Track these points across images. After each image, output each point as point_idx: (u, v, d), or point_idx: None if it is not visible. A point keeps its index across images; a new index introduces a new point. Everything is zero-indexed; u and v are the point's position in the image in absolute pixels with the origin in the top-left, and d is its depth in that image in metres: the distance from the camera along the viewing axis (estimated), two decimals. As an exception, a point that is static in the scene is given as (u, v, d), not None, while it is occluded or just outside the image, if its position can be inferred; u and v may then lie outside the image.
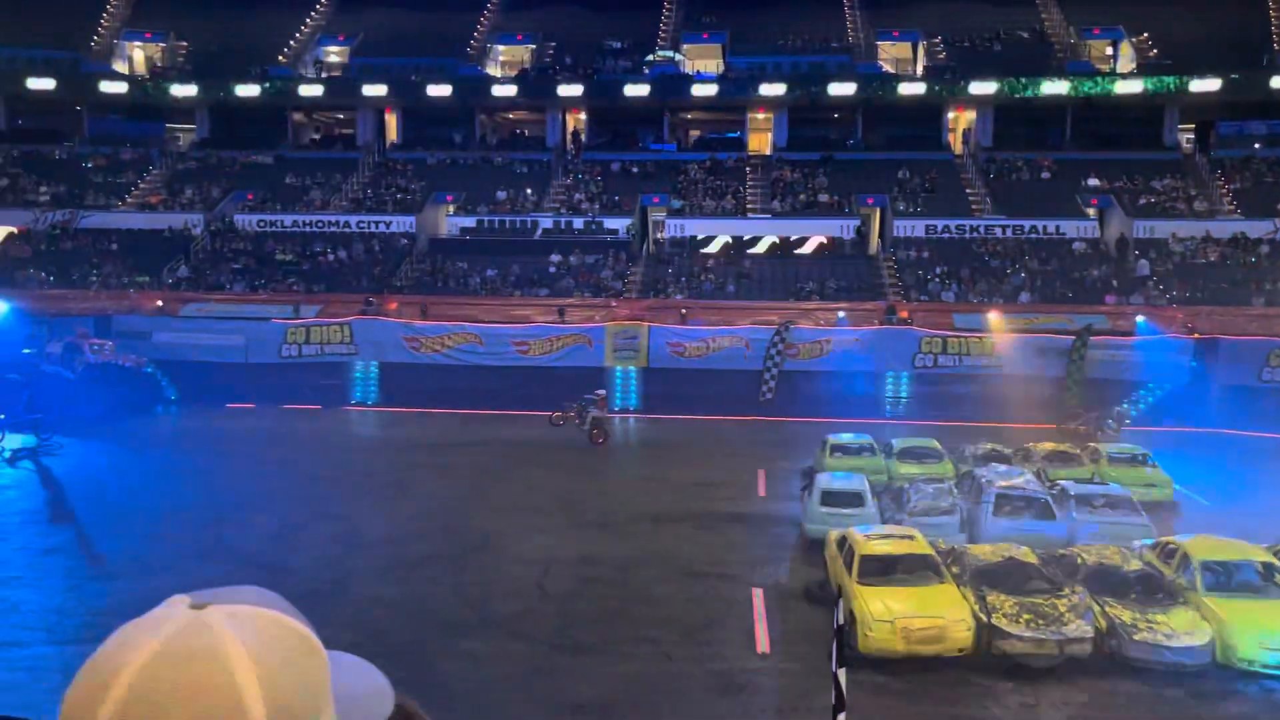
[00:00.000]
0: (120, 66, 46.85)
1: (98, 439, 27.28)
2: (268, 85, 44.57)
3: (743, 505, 21.47)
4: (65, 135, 45.91)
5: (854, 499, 18.32)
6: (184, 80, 45.00)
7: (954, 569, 14.78)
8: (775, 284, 36.54)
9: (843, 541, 15.50)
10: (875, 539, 15.24)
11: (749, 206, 41.03)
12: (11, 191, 42.24)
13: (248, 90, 44.34)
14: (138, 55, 48.12)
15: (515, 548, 18.31)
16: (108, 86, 45.01)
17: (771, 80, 42.90)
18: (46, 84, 44.28)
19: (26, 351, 31.40)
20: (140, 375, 31.63)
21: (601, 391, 28.81)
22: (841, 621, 8.09)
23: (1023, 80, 41.26)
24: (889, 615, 13.26)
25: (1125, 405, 28.46)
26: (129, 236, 39.88)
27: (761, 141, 45.19)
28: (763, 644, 14.00)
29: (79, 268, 37.81)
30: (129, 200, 42.35)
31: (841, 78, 42.72)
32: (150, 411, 31.49)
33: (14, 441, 25.43)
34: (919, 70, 44.79)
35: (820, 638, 13.96)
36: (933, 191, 40.51)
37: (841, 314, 32.94)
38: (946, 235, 38.44)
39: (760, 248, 38.63)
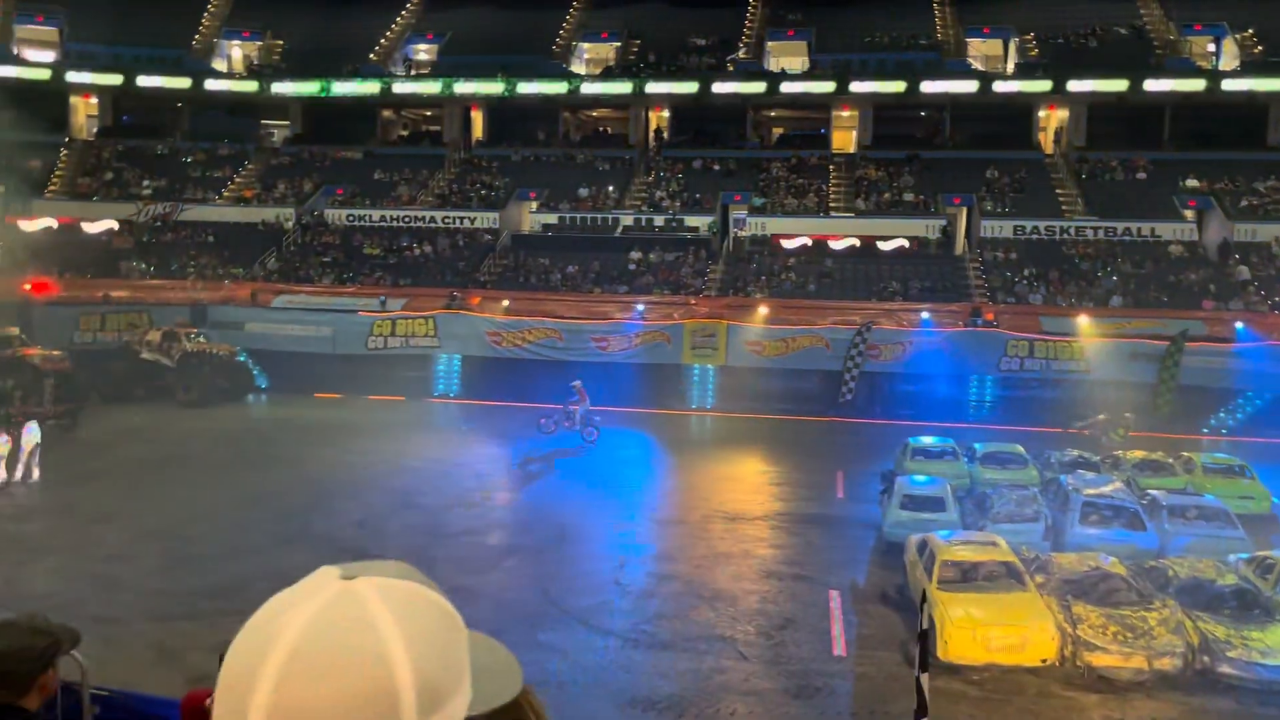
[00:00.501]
0: (219, 64, 48.36)
1: (192, 425, 28.21)
2: (361, 82, 45.58)
3: (820, 506, 21.30)
4: (167, 131, 47.61)
5: (935, 503, 18.06)
6: (281, 77, 46.26)
7: (1038, 578, 14.46)
8: (857, 283, 36.12)
9: (923, 546, 15.28)
10: (957, 544, 14.99)
11: (832, 205, 40.61)
12: (116, 185, 43.94)
13: (343, 87, 45.38)
14: (236, 54, 49.61)
15: (591, 542, 18.47)
16: (208, 84, 46.50)
17: (858, 78, 42.40)
18: (151, 81, 45.93)
19: (127, 340, 32.71)
20: (233, 364, 32.61)
21: (577, 382, 27.87)
22: (926, 626, 7.99)
23: (1124, 78, 40.04)
24: (969, 622, 13.04)
25: (1130, 415, 27.45)
26: (224, 229, 41.20)
27: (846, 139, 44.69)
28: (839, 646, 13.89)
29: (177, 259, 39.20)
30: (225, 194, 43.73)
31: (930, 75, 42.03)
32: (242, 399, 32.46)
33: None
34: (1010, 68, 43.79)
35: (897, 643, 13.83)
36: (1022, 191, 39.60)
37: (925, 315, 32.40)
38: (1035, 236, 37.53)
39: (842, 246, 38.18)
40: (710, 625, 14.62)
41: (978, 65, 43.80)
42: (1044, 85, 41.35)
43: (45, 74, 45.19)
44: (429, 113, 48.75)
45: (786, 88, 43.14)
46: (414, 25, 49.48)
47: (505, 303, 34.57)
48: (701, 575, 16.80)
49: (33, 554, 17.17)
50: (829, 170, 42.53)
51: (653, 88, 43.88)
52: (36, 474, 21.75)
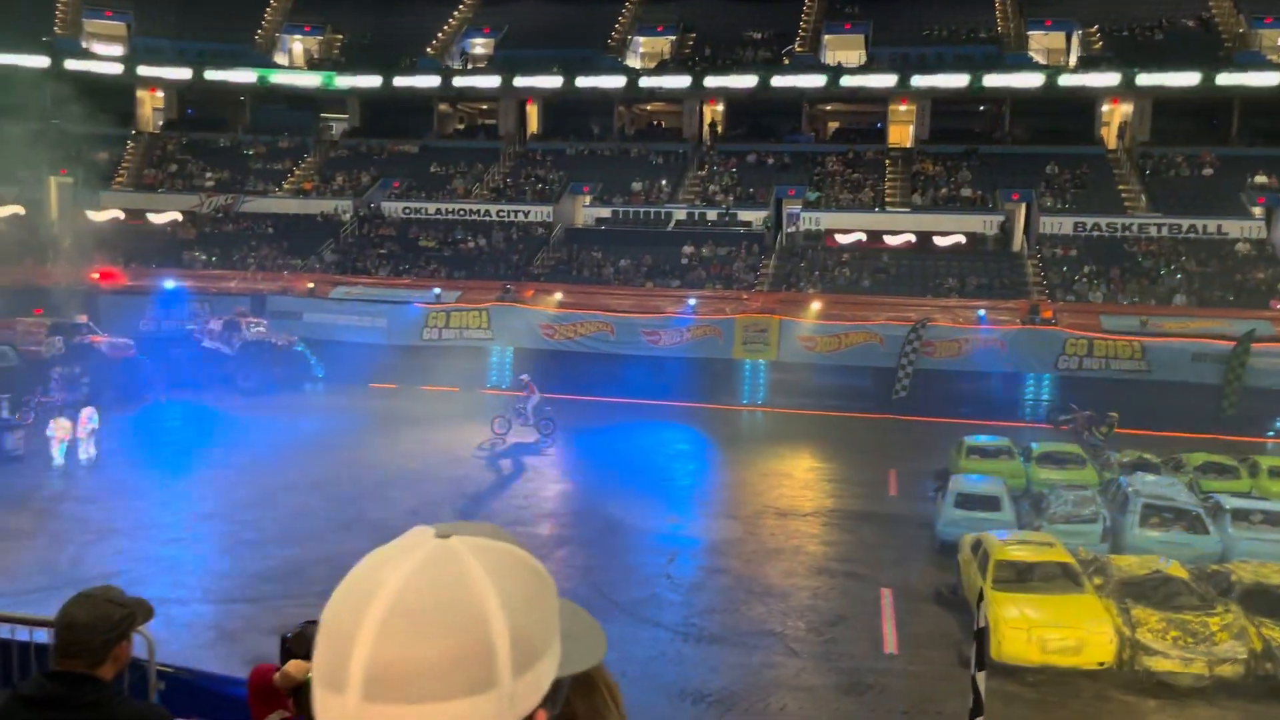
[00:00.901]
0: (281, 59, 49.14)
1: (249, 412, 28.74)
2: (422, 77, 45.99)
3: (872, 504, 21.13)
4: (230, 124, 48.51)
5: (990, 502, 17.81)
6: (344, 71, 46.86)
7: (1096, 580, 14.21)
8: (912, 280, 35.72)
9: (977, 545, 15.09)
10: (1012, 544, 14.78)
11: (887, 200, 40.20)
12: (180, 176, 44.89)
13: (405, 81, 45.79)
14: (297, 48, 50.38)
15: (641, 535, 18.50)
16: (274, 78, 47.29)
17: (917, 71, 41.87)
18: (219, 75, 46.81)
19: (189, 328, 33.42)
20: (291, 353, 33.15)
21: (525, 375, 27.47)
22: (983, 624, 7.90)
23: (1195, 70, 39.05)
24: (1025, 623, 12.85)
25: (1115, 413, 26.83)
26: (284, 221, 41.92)
27: (902, 134, 44.21)
28: (890, 644, 13.78)
29: (238, 249, 39.98)
30: (285, 186, 44.47)
31: (992, 69, 41.35)
32: (299, 388, 33.00)
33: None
34: (1072, 61, 42.95)
35: (950, 642, 13.68)
36: (1083, 187, 38.84)
37: (981, 312, 31.93)
38: (1096, 233, 36.81)
39: (897, 242, 37.77)
40: (761, 620, 14.59)
41: (1039, 59, 43.02)
42: (1112, 79, 40.44)
43: (119, 68, 46.25)
44: (485, 106, 49.11)
45: (847, 81, 42.63)
46: (470, 19, 49.83)
47: (558, 296, 34.73)
48: (752, 570, 16.77)
49: (99, 535, 17.64)
50: (885, 165, 42.09)
51: (712, 81, 43.64)
52: (94, 454, 22.54)
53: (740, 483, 23.24)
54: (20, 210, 40.62)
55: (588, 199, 42.11)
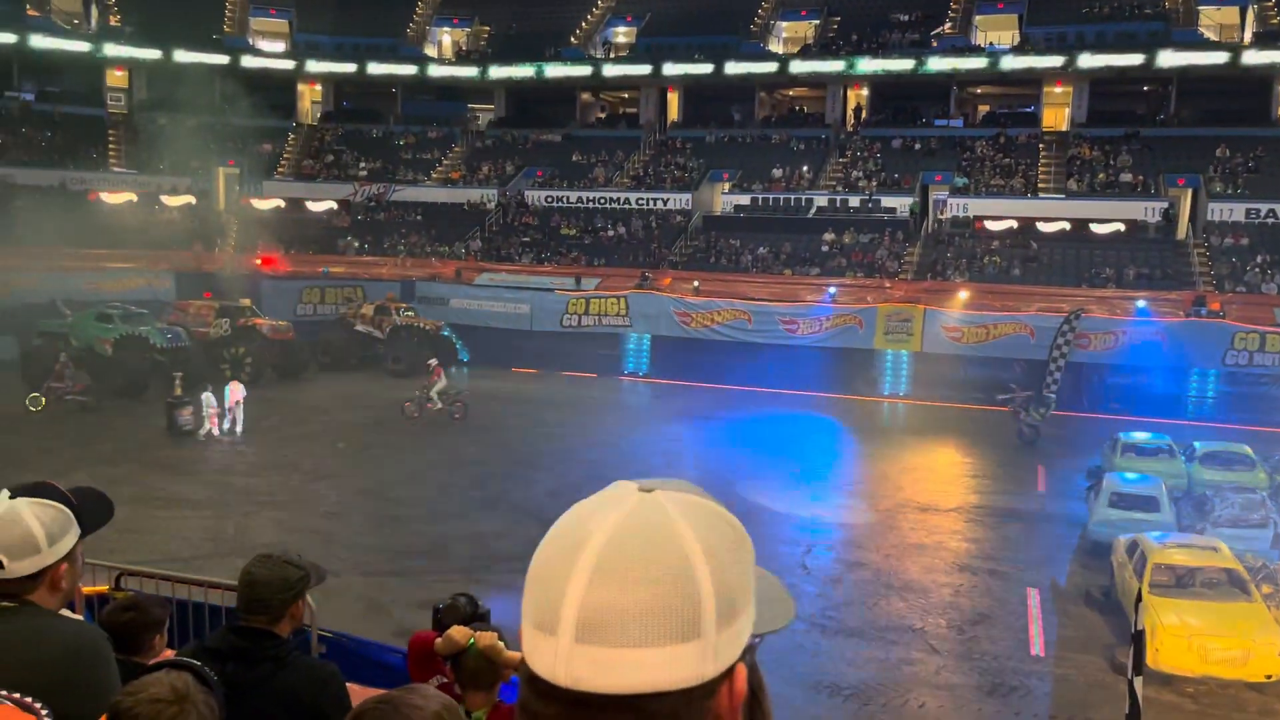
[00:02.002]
0: (430, 51, 50.73)
1: (400, 394, 29.79)
2: (568, 66, 46.67)
3: (1019, 501, 20.41)
4: (381, 116, 50.40)
5: (1147, 503, 16.95)
6: (494, 62, 48.00)
7: (1265, 588, 13.36)
8: (1066, 269, 34.24)
9: (1133, 547, 14.39)
10: (1172, 547, 14.02)
11: (1040, 186, 38.61)
12: (336, 167, 46.91)
13: (555, 70, 46.55)
14: (446, 40, 51.92)
15: (777, 525, 18.37)
16: (430, 70, 48.81)
17: (1073, 51, 39.96)
18: (380, 69, 48.66)
19: (343, 312, 34.94)
20: (438, 338, 34.23)
21: (433, 361, 27.07)
22: (1141, 627, 7.54)
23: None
24: (1185, 631, 12.19)
25: (1053, 395, 24.71)
26: (432, 209, 43.32)
27: (1057, 117, 42.32)
28: (1037, 646, 13.30)
29: (389, 237, 41.55)
30: (433, 176, 45.93)
31: (1161, 46, 39.08)
32: (445, 371, 34.06)
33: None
34: (1247, 37, 40.22)
35: (1101, 646, 13.11)
36: (1257, 171, 36.39)
37: (1141, 303, 30.36)
38: (1271, 220, 34.45)
39: (1051, 229, 36.22)
40: (900, 616, 14.30)
41: (1210, 35, 40.47)
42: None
43: (289, 64, 48.63)
44: (626, 95, 49.52)
45: (1008, 64, 40.93)
46: (613, 8, 50.26)
47: (695, 284, 34.78)
48: (891, 565, 16.45)
49: (260, 506, 18.67)
50: (1039, 149, 40.43)
51: (865, 65, 42.67)
52: (240, 427, 24.16)
53: (879, 476, 22.81)
54: (192, 200, 43.25)
55: (727, 186, 41.98)
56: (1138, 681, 7.51)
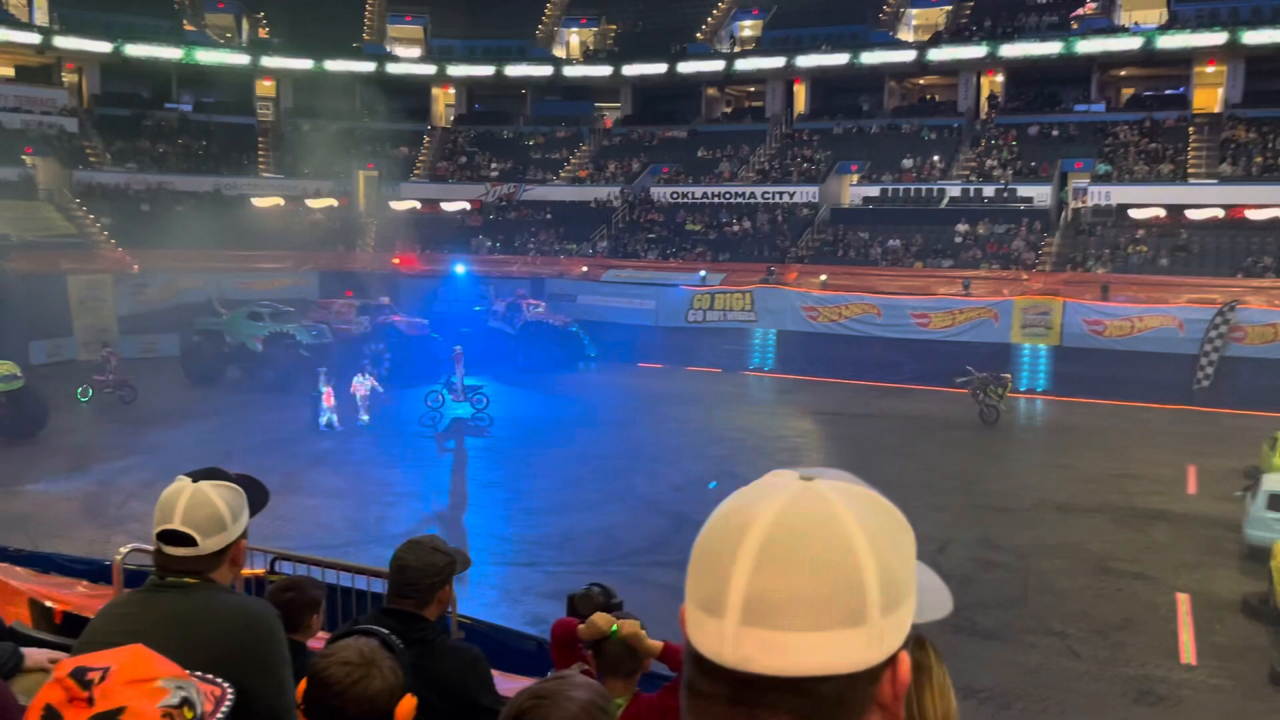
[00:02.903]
0: (559, 51, 51.53)
1: (529, 389, 30.47)
2: (699, 61, 46.58)
3: (1168, 502, 19.44)
4: (511, 117, 51.46)
5: (1311, 506, 15.91)
6: (618, 61, 48.39)
7: None
8: (1219, 258, 32.41)
9: (1295, 553, 13.56)
10: (1339, 554, 13.17)
11: (1191, 171, 36.62)
12: (469, 168, 48.16)
13: (687, 67, 46.50)
14: (573, 40, 52.62)
15: (910, 522, 17.98)
16: (565, 70, 49.56)
17: (1233, 27, 37.57)
18: (516, 71, 49.61)
19: (476, 309, 35.87)
20: (567, 334, 34.80)
21: (458, 347, 25.95)
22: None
23: None
24: (1354, 643, 11.43)
25: (1009, 375, 22.71)
26: (560, 207, 44.03)
27: (1210, 98, 39.98)
28: (1188, 654, 12.67)
29: (519, 235, 42.45)
30: (562, 175, 46.67)
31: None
32: (574, 367, 34.62)
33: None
34: None
35: (1261, 657, 12.42)
36: None
37: (1304, 294, 28.53)
38: None
39: (1202, 217, 34.29)
40: (1037, 618, 13.84)
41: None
42: None
43: (431, 69, 50.12)
44: (752, 89, 49.19)
45: (1163, 43, 38.69)
46: (740, 1, 50.01)
47: (823, 277, 34.36)
48: (1028, 565, 15.92)
49: (399, 496, 19.38)
50: (1189, 133, 38.33)
51: (1008, 50, 41.10)
52: (367, 418, 25.02)
53: (1015, 473, 22.08)
54: (334, 202, 45.12)
55: (855, 178, 41.27)
56: (1300, 694, 7.09)
